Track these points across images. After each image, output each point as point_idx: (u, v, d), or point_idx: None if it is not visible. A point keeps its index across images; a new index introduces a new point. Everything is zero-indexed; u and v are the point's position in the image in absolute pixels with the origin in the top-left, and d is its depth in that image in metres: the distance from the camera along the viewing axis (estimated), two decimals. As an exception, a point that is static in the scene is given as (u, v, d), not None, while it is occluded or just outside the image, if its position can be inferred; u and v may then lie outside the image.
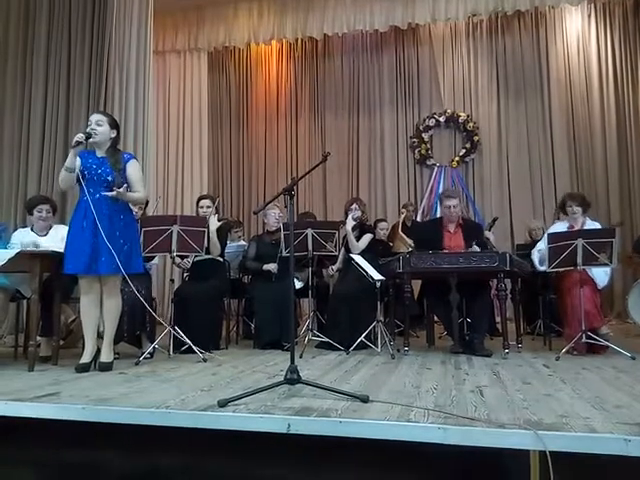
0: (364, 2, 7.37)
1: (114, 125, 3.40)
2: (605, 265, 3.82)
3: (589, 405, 2.21)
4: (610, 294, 6.77)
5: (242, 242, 5.89)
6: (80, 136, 3.19)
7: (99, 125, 3.31)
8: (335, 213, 7.67)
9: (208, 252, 4.32)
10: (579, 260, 3.72)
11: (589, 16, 7.74)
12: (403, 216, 6.36)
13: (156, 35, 6.97)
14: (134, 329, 3.91)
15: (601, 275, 4.13)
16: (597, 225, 4.34)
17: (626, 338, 4.79)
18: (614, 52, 7.59)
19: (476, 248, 4.09)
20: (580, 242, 3.72)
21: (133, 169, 3.37)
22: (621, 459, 1.72)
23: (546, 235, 4.06)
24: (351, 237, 4.58)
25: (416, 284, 4.99)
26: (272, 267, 4.63)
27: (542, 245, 4.18)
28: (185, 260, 4.38)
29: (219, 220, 4.59)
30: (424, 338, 4.75)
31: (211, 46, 8.12)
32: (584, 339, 3.75)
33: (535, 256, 4.34)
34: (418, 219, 7.26)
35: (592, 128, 7.58)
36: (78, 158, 3.26)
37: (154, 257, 4.39)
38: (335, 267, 4.81)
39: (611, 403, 2.24)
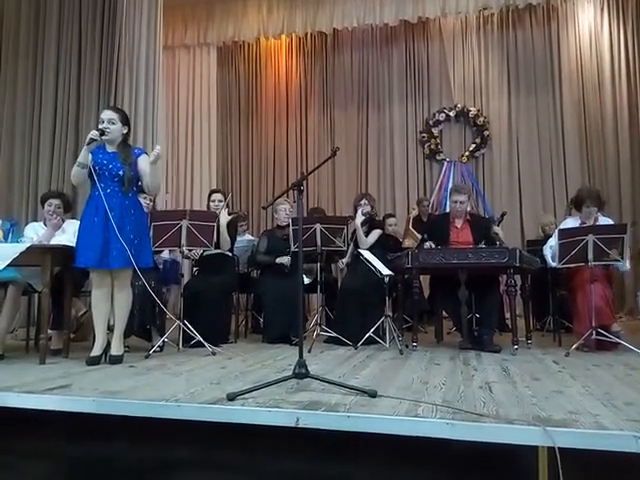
0: (374, -4, 7.34)
1: (125, 121, 3.43)
2: (616, 261, 3.79)
3: (599, 402, 2.20)
4: (621, 290, 6.71)
5: (249, 236, 5.91)
6: (94, 134, 3.23)
7: (112, 124, 3.34)
8: (344, 208, 7.66)
9: (218, 246, 4.34)
10: (590, 256, 3.69)
11: (602, 9, 7.63)
12: (414, 212, 6.31)
13: (165, 30, 6.99)
14: (144, 323, 3.93)
15: None
16: (609, 221, 4.30)
17: (637, 335, 4.74)
18: (627, 46, 7.47)
19: None
20: (591, 238, 3.68)
21: (144, 163, 3.39)
22: (630, 456, 1.71)
23: (557, 231, 4.03)
24: (360, 232, 4.57)
25: (425, 279, 4.98)
26: (285, 260, 4.62)
27: (553, 241, 4.14)
28: (194, 251, 4.39)
29: (229, 215, 4.60)
30: (433, 334, 4.74)
31: (220, 41, 8.15)
32: (594, 335, 3.72)
33: (547, 252, 4.29)
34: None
35: (604, 123, 7.48)
36: (89, 153, 3.28)
37: (162, 251, 4.43)
38: (345, 261, 4.80)
39: (621, 400, 2.23)
